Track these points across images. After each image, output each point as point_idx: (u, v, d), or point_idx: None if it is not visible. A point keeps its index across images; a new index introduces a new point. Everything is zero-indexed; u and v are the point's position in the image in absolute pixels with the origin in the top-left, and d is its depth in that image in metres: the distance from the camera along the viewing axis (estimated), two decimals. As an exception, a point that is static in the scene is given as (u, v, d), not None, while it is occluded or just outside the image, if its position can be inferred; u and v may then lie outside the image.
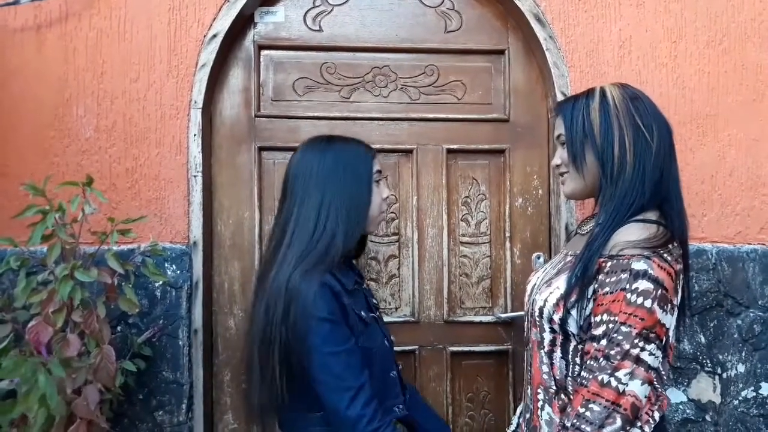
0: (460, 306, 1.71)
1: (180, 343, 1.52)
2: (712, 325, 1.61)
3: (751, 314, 1.61)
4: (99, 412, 1.21)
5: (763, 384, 1.61)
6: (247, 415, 1.58)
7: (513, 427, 1.22)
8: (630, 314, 0.89)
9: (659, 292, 0.89)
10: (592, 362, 0.92)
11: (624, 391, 0.89)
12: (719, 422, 1.60)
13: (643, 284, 0.90)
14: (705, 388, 1.60)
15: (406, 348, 1.67)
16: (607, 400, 0.89)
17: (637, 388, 0.89)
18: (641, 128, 1.00)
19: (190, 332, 1.53)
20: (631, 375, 0.89)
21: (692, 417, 1.60)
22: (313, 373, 1.06)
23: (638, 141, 1.00)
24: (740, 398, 1.61)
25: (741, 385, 1.61)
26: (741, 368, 1.61)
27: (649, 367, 0.90)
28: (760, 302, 1.61)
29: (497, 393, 1.71)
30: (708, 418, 1.60)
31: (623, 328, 0.89)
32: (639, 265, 0.90)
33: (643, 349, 0.89)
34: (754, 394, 1.61)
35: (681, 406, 1.60)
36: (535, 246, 1.71)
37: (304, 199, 1.14)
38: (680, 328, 1.49)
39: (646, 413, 0.95)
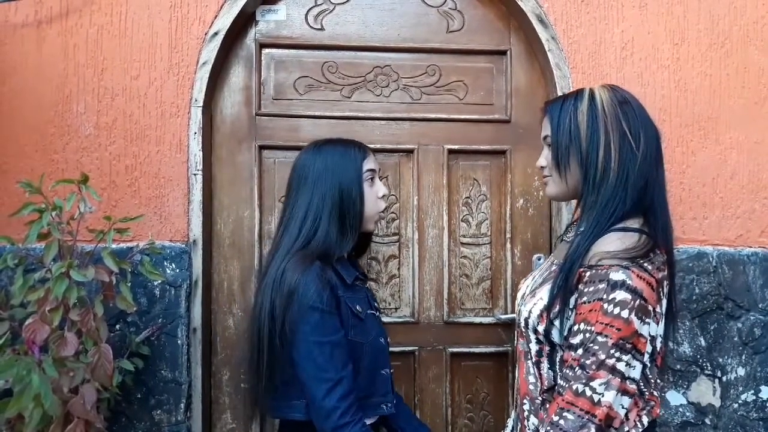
0: (460, 307, 1.71)
1: (179, 342, 1.51)
2: (712, 328, 1.60)
3: (752, 317, 1.60)
4: (96, 411, 1.20)
5: (763, 387, 1.61)
6: (246, 404, 1.58)
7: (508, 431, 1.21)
8: (606, 324, 0.89)
9: (637, 302, 0.88)
10: (568, 371, 0.92)
11: (599, 401, 0.88)
12: (719, 425, 1.60)
13: (620, 294, 0.89)
14: (705, 391, 1.60)
15: (406, 349, 1.66)
16: (581, 409, 0.89)
17: (612, 398, 0.88)
18: (628, 135, 0.97)
19: (189, 331, 1.53)
20: (607, 385, 0.88)
21: (692, 420, 1.60)
22: (298, 360, 1.09)
23: (624, 148, 0.97)
24: (740, 401, 1.60)
25: (741, 389, 1.60)
26: (741, 371, 1.60)
27: (624, 377, 0.89)
28: (760, 305, 1.61)
29: (497, 394, 1.71)
30: (707, 421, 1.60)
31: (599, 338, 0.89)
32: (617, 276, 0.89)
33: (619, 360, 0.88)
34: (754, 397, 1.61)
35: (681, 409, 1.60)
36: (535, 247, 1.70)
37: (297, 200, 1.20)
38: (672, 333, 1.49)
39: (633, 419, 0.94)
